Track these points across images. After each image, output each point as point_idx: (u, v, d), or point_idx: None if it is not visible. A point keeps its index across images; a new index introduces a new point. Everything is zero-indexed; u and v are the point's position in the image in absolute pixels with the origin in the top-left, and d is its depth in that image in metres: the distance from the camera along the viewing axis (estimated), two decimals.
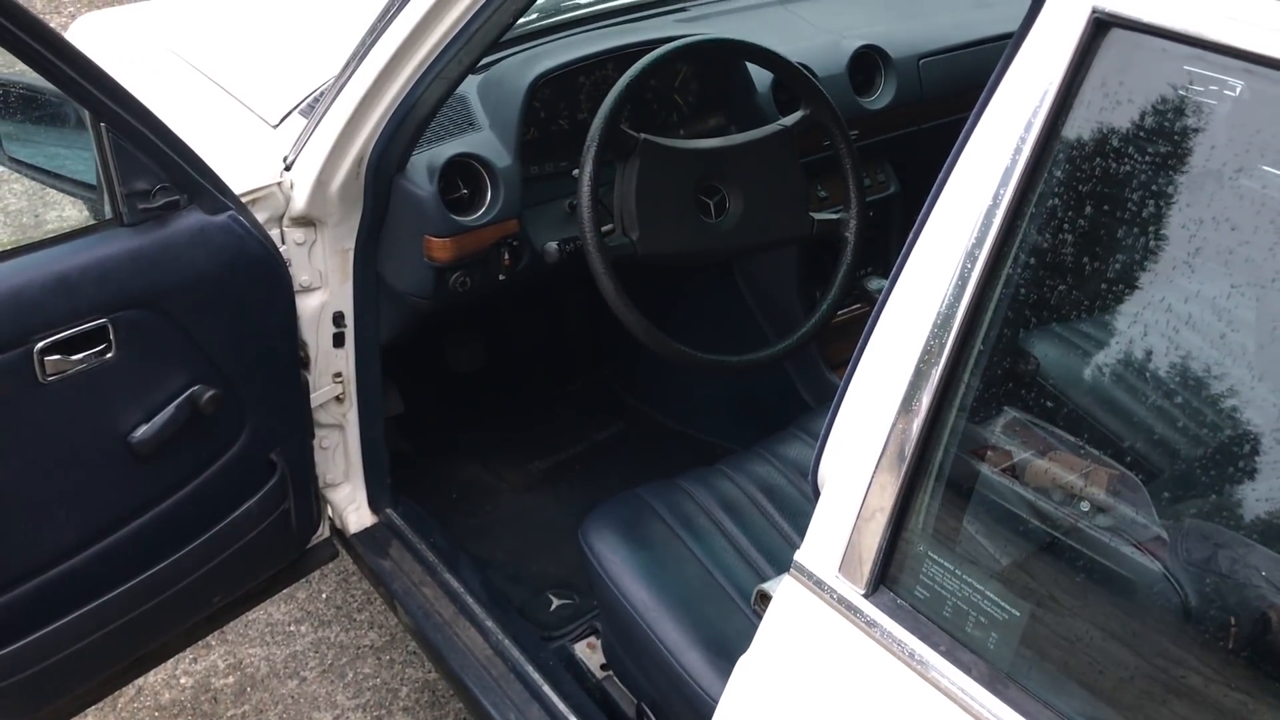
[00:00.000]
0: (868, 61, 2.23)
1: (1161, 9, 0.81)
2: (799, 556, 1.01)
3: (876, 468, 0.95)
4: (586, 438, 2.50)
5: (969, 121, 0.95)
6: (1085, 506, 0.89)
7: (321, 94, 1.95)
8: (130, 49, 2.35)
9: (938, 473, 0.94)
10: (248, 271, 1.66)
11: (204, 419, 1.64)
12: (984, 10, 2.44)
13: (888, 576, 0.96)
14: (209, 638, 2.33)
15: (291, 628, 2.42)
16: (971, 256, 0.91)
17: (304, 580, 2.45)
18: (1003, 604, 0.90)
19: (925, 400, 0.92)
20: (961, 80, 2.32)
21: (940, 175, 0.96)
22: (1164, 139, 0.83)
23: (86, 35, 2.47)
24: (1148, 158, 0.84)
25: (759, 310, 2.31)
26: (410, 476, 2.24)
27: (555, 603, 2.07)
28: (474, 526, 2.27)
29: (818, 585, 0.99)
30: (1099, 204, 0.86)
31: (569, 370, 2.70)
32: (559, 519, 2.27)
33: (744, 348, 1.84)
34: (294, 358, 1.83)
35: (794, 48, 2.14)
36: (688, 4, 2.29)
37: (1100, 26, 0.86)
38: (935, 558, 0.93)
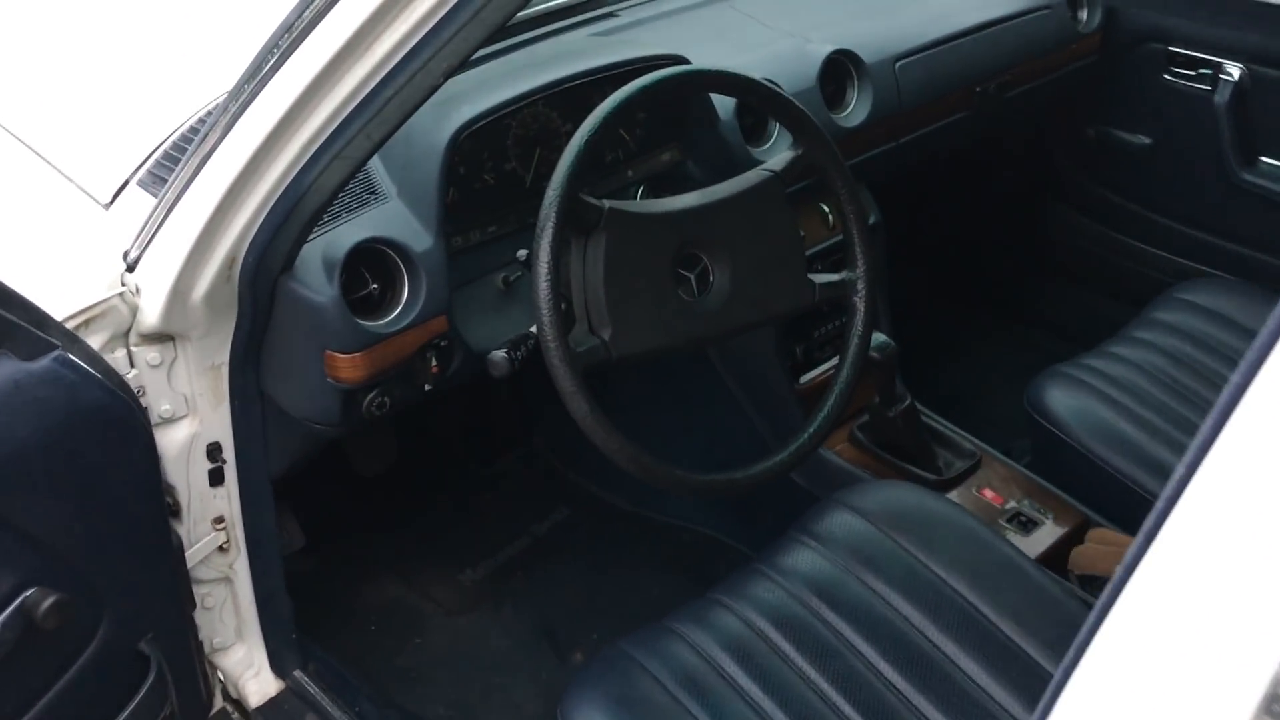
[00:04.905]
0: (837, 68, 1.85)
1: None
2: None
3: None
4: (525, 532, 2.09)
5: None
6: None
7: (164, 158, 1.49)
8: None
9: None
10: (86, 426, 1.21)
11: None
12: None
13: None
14: None
15: None
16: None
17: None
18: None
19: None
20: (942, 83, 1.96)
21: (1235, 384, 0.59)
22: None
23: None
24: None
25: (739, 389, 1.91)
26: (317, 609, 1.80)
27: None
28: (402, 669, 1.85)
29: None
30: None
31: (493, 445, 2.27)
32: (505, 649, 1.87)
33: (736, 449, 1.47)
34: (158, 515, 1.38)
35: (753, 58, 1.76)
36: (616, 8, 1.87)
37: None
38: None
